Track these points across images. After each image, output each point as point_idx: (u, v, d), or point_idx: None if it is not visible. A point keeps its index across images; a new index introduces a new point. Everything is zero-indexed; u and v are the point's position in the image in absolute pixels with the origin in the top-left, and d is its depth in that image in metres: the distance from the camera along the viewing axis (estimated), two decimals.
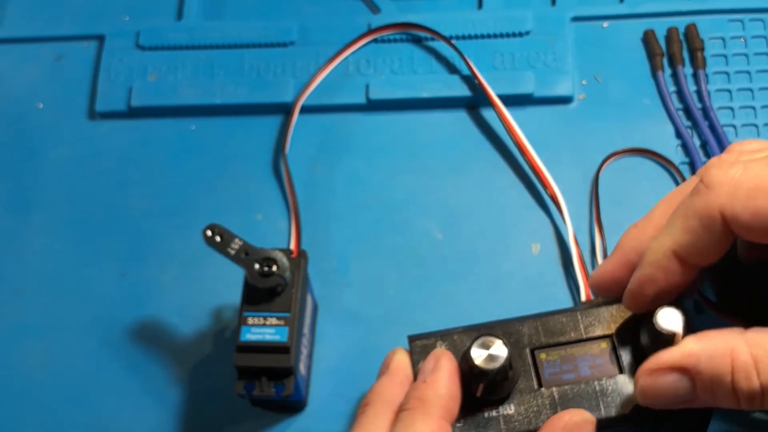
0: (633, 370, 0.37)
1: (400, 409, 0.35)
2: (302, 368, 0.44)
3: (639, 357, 0.37)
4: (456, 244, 0.49)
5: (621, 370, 0.37)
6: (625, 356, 0.37)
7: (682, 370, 0.33)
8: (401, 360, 0.38)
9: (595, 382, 0.37)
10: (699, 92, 0.51)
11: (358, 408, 0.37)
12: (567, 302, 0.47)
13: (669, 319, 0.35)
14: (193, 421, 0.46)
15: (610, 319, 0.38)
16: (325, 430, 0.45)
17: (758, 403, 0.32)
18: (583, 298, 0.45)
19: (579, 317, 0.39)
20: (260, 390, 0.42)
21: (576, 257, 0.46)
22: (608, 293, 0.38)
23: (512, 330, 0.39)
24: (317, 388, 0.46)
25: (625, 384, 0.37)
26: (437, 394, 0.35)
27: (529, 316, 0.39)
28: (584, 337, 0.38)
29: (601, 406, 0.37)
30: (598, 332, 0.38)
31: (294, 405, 0.45)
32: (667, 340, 0.35)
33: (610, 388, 0.37)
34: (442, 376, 0.36)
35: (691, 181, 0.37)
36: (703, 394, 0.33)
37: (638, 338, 0.37)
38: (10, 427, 0.46)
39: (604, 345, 0.38)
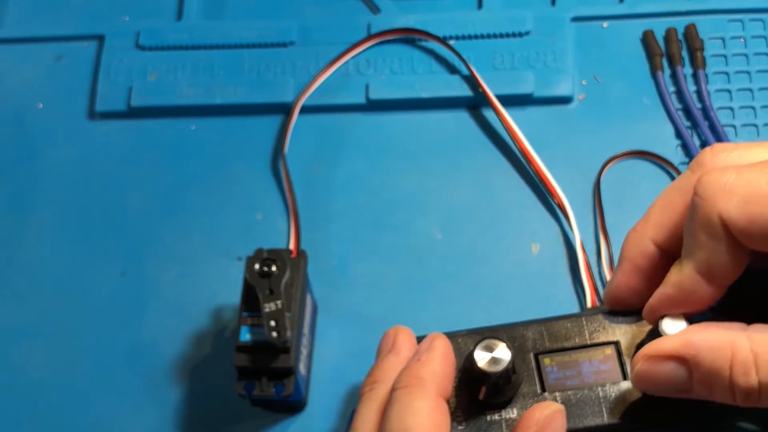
0: None
1: (394, 388, 0.35)
2: (302, 368, 0.44)
3: None
4: (456, 244, 0.49)
5: (625, 377, 0.37)
6: (630, 363, 0.37)
7: (681, 359, 0.33)
8: (406, 339, 0.38)
9: (599, 388, 0.37)
10: (699, 92, 0.51)
11: (364, 386, 0.37)
12: (567, 301, 0.47)
13: (673, 326, 0.35)
14: (193, 421, 0.46)
15: (615, 325, 0.38)
16: (325, 430, 0.45)
17: (754, 400, 0.32)
18: (588, 304, 0.45)
19: (584, 323, 0.39)
20: (260, 390, 0.42)
21: (583, 264, 0.46)
22: (627, 306, 0.38)
23: (517, 334, 0.38)
24: (317, 388, 0.46)
25: (629, 390, 0.37)
26: (433, 371, 0.35)
27: (534, 320, 0.39)
28: (589, 343, 0.38)
29: (605, 413, 0.37)
30: (603, 338, 0.38)
31: (294, 405, 0.45)
32: None
33: (613, 394, 0.37)
34: (437, 355, 0.36)
35: (684, 176, 0.37)
36: (699, 387, 0.33)
37: (643, 345, 0.37)
38: (11, 427, 0.46)
39: (609, 351, 0.38)
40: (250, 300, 0.42)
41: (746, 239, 0.32)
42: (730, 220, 0.32)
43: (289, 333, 0.41)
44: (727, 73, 0.52)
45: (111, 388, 0.47)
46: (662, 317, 0.35)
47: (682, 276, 0.34)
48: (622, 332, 0.38)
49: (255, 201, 0.51)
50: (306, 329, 0.45)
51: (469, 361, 0.36)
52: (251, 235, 0.50)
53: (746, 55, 0.52)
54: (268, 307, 0.41)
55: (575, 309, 0.46)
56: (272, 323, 0.41)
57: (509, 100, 0.51)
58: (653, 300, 0.36)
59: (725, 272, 0.34)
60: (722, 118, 0.50)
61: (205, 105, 0.53)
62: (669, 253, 0.37)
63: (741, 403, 0.32)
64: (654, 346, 0.34)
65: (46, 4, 0.59)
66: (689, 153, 0.49)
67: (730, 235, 0.32)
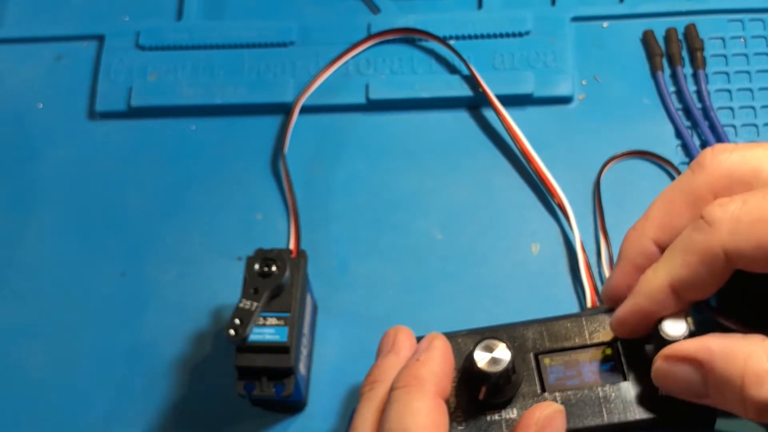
0: (637, 377, 0.37)
1: (393, 388, 0.35)
2: (302, 368, 0.44)
3: (643, 364, 0.37)
4: (456, 244, 0.49)
5: (625, 377, 0.37)
6: (630, 363, 0.37)
7: (696, 362, 0.33)
8: (406, 339, 0.38)
9: (599, 389, 0.37)
10: (699, 92, 0.51)
11: (364, 386, 0.37)
12: (567, 301, 0.47)
13: (674, 326, 0.35)
14: (193, 421, 0.46)
15: None
16: (325, 430, 0.45)
17: (767, 415, 0.31)
18: (588, 304, 0.45)
19: (584, 323, 0.39)
20: (260, 390, 0.42)
21: (583, 264, 0.46)
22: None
23: (517, 334, 0.38)
24: (317, 388, 0.46)
25: (628, 390, 0.37)
26: (431, 371, 0.35)
27: (534, 320, 0.39)
28: (589, 343, 0.38)
29: (604, 413, 0.37)
30: (603, 338, 0.38)
31: (294, 405, 0.45)
32: None
33: (613, 394, 0.37)
34: (436, 355, 0.36)
35: (684, 176, 0.37)
36: (714, 394, 0.33)
37: (643, 345, 0.37)
38: (11, 427, 0.46)
39: (609, 351, 0.38)
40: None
41: (751, 264, 0.32)
42: (735, 249, 0.32)
43: (246, 336, 0.40)
44: (727, 73, 0.52)
45: (111, 388, 0.47)
46: (662, 319, 0.35)
47: (655, 288, 0.35)
48: None
49: (255, 201, 0.51)
50: (306, 329, 0.45)
51: (469, 361, 0.36)
52: (251, 235, 0.50)
53: (746, 55, 0.52)
54: (243, 303, 0.41)
55: (575, 309, 0.46)
56: (236, 321, 0.41)
57: (509, 100, 0.51)
58: (624, 312, 0.36)
59: (698, 294, 0.34)
60: (722, 118, 0.50)
61: (205, 105, 0.54)
62: None
63: (754, 418, 0.31)
64: (672, 348, 0.34)
65: (46, 4, 0.59)
66: (689, 153, 0.49)
67: (725, 265, 0.33)
